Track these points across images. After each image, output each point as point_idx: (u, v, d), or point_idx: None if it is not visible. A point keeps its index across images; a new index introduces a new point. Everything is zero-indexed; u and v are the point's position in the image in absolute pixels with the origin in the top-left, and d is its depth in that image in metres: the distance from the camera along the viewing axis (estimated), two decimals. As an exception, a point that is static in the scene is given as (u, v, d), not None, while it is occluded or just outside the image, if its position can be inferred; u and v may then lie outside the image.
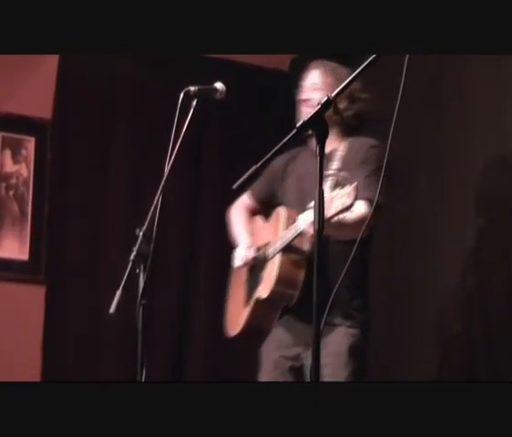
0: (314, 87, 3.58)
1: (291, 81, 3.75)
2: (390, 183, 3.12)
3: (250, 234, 3.79)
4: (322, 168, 2.35)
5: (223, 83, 3.40)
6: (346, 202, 3.05)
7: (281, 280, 3.49)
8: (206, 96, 3.44)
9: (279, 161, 3.71)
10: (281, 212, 3.63)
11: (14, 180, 5.20)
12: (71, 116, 5.30)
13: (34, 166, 5.22)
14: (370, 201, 3.31)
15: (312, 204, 3.14)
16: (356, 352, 3.51)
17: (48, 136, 5.25)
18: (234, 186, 2.71)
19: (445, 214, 4.35)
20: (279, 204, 3.69)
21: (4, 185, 5.17)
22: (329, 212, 3.02)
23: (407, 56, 2.40)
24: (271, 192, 3.78)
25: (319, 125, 2.34)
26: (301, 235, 3.37)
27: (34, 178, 5.21)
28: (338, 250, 3.38)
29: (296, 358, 3.55)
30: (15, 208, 5.19)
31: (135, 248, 3.11)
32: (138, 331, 3.10)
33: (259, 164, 2.63)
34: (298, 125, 2.38)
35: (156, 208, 3.16)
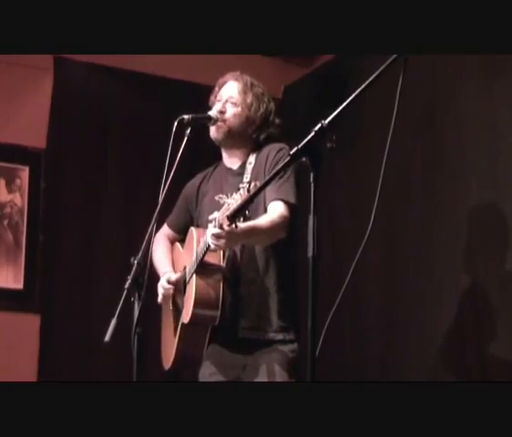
0: (231, 101, 3.56)
1: (285, 108, 3.76)
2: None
3: (171, 263, 3.71)
4: (316, 195, 2.32)
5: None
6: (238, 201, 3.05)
7: (199, 302, 3.37)
8: (200, 124, 3.46)
9: (192, 184, 3.72)
10: (193, 232, 3.56)
11: (8, 210, 5.20)
12: (65, 144, 5.31)
13: (28, 195, 5.22)
14: (285, 202, 3.37)
15: (212, 216, 3.16)
16: (289, 368, 3.40)
17: (42, 165, 5.26)
18: (229, 216, 2.70)
19: (440, 224, 4.44)
20: (198, 227, 3.60)
21: (-2, 214, 5.18)
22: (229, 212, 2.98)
23: (400, 80, 2.39)
24: (187, 218, 3.71)
25: (312, 152, 2.33)
26: (210, 248, 3.26)
27: (28, 208, 5.21)
28: (253, 256, 3.42)
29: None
30: (10, 237, 5.18)
31: (129, 277, 3.11)
32: (134, 360, 3.09)
33: (252, 192, 2.63)
34: (292, 152, 2.36)
35: (150, 236, 3.16)
